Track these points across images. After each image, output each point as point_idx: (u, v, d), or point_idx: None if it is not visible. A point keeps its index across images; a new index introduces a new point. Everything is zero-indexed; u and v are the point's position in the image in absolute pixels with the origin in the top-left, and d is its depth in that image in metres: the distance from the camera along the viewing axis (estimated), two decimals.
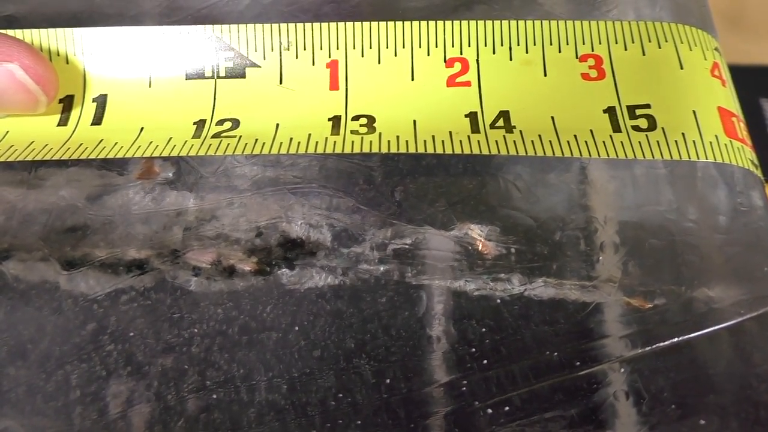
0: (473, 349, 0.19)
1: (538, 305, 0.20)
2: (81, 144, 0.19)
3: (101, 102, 0.20)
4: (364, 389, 0.19)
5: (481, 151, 0.18)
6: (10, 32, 0.20)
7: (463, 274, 0.21)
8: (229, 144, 0.19)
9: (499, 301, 0.20)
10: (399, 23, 0.20)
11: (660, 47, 0.20)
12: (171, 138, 0.19)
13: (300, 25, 0.20)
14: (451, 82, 0.20)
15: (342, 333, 0.20)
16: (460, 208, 0.21)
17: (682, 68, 0.20)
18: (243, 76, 0.20)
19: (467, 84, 0.20)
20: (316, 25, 0.20)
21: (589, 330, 0.18)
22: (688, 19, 0.22)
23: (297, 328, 0.20)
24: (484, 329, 0.19)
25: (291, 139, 0.19)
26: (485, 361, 0.18)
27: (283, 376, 0.19)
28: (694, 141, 0.18)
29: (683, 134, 0.19)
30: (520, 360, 0.19)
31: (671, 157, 0.18)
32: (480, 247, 0.21)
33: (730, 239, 0.19)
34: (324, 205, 0.22)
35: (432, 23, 0.20)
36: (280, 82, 0.20)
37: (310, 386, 0.19)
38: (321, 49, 0.20)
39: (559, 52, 0.20)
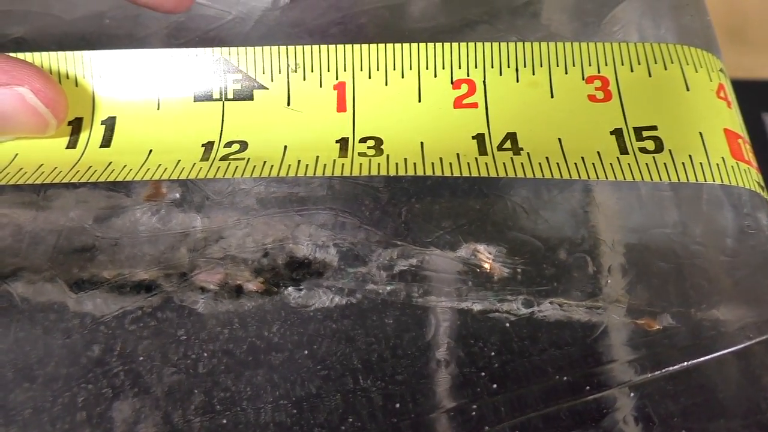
0: (482, 373, 0.19)
1: (545, 327, 0.20)
2: (90, 167, 0.19)
3: (110, 124, 0.20)
4: (371, 412, 0.19)
5: (488, 174, 0.18)
6: (21, 55, 0.20)
7: (470, 295, 0.21)
8: (237, 167, 0.19)
9: (507, 323, 0.20)
10: (406, 45, 0.20)
11: (666, 69, 0.20)
12: (179, 160, 0.19)
13: (307, 48, 0.20)
14: (458, 103, 0.20)
15: (349, 354, 0.20)
16: (466, 228, 0.22)
17: (688, 90, 0.20)
18: (251, 98, 0.20)
19: (474, 105, 0.20)
20: (324, 47, 0.20)
21: (597, 354, 0.18)
22: (692, 41, 0.22)
23: (304, 349, 0.20)
24: (491, 352, 0.19)
25: (299, 161, 0.19)
26: (494, 385, 0.18)
27: (290, 397, 0.19)
28: (701, 163, 0.19)
29: (690, 156, 0.19)
30: (528, 384, 0.19)
31: (678, 180, 0.18)
32: (487, 268, 0.21)
33: (737, 262, 0.19)
34: (330, 225, 0.22)
35: (439, 45, 0.20)
36: (288, 104, 0.20)
37: (317, 408, 0.19)
38: (328, 71, 0.20)
39: (566, 73, 0.20)
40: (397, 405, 0.18)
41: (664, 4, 0.23)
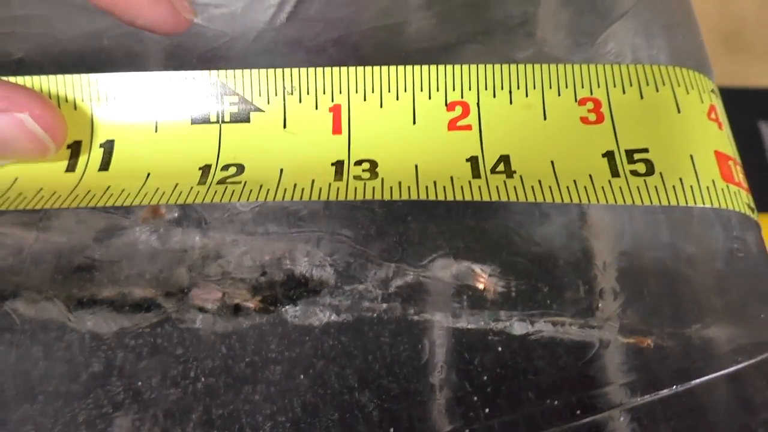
0: (475, 398, 0.19)
1: (539, 348, 0.20)
2: (89, 191, 0.19)
3: (108, 147, 0.20)
4: (367, 430, 0.19)
5: (482, 198, 0.19)
6: (20, 79, 0.20)
7: (465, 314, 0.21)
8: (234, 191, 0.19)
9: (500, 344, 0.20)
10: (401, 67, 0.21)
11: (658, 90, 0.20)
12: (177, 184, 0.19)
13: (303, 70, 0.21)
14: (452, 125, 0.20)
15: (345, 372, 0.20)
16: (461, 247, 0.22)
17: (679, 112, 0.20)
18: (247, 120, 0.20)
19: (468, 128, 0.20)
20: (319, 69, 0.21)
21: (590, 376, 0.18)
22: (684, 61, 0.22)
23: (301, 367, 0.20)
24: (485, 374, 0.20)
25: (295, 185, 0.19)
26: (487, 410, 0.19)
27: (287, 414, 0.19)
28: (691, 186, 0.19)
29: (681, 179, 0.19)
30: (520, 407, 0.19)
31: (669, 203, 0.18)
32: (481, 288, 0.22)
33: (727, 285, 0.19)
34: (327, 244, 0.22)
35: (433, 67, 0.21)
36: (284, 127, 0.20)
37: (315, 426, 0.19)
38: (324, 93, 0.20)
39: (559, 95, 0.20)
40: (392, 430, 0.18)
41: (657, 24, 0.23)
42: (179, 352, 0.20)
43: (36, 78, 0.20)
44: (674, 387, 0.17)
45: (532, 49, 0.26)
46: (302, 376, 0.20)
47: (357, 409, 0.19)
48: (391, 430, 0.18)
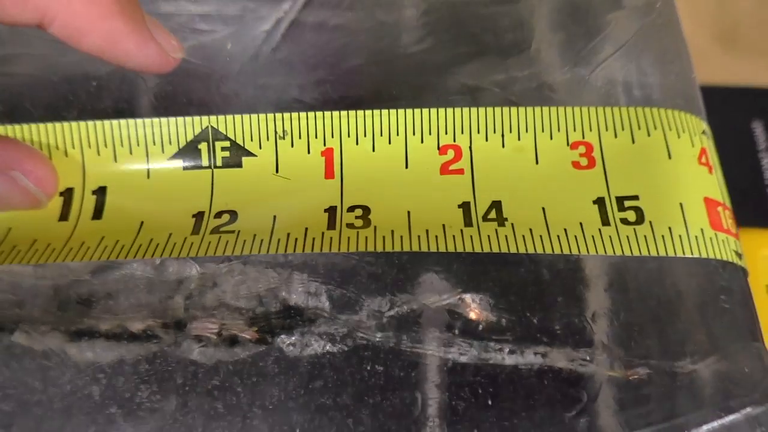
0: (466, 425, 0.19)
1: (528, 379, 0.20)
2: (83, 243, 0.19)
3: (101, 195, 0.20)
4: None
5: (473, 248, 0.19)
6: (9, 128, 0.20)
7: (457, 343, 0.21)
8: (228, 241, 0.19)
9: (492, 372, 0.20)
10: (393, 111, 0.20)
11: (649, 135, 0.20)
12: (171, 234, 0.19)
13: (295, 114, 0.20)
14: (444, 169, 0.20)
15: (340, 401, 0.20)
16: (453, 277, 0.22)
17: (670, 158, 0.20)
18: (240, 165, 0.20)
19: (460, 172, 0.20)
20: (311, 114, 0.20)
21: (579, 412, 0.19)
22: (675, 100, 0.22)
23: (298, 396, 0.20)
24: (478, 403, 0.20)
25: (288, 234, 0.19)
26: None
27: None
28: (680, 236, 0.19)
29: (670, 228, 0.19)
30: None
31: (657, 253, 0.19)
32: (474, 318, 0.22)
33: (712, 326, 0.19)
34: (322, 272, 0.22)
35: (425, 110, 0.21)
36: (276, 171, 0.20)
37: None
38: (316, 137, 0.20)
39: (551, 138, 0.20)
40: None
41: (650, 58, 0.23)
42: (178, 382, 0.21)
43: (26, 126, 0.20)
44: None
45: (526, 70, 0.26)
46: (299, 405, 0.20)
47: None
48: None
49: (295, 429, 0.20)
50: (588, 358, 0.21)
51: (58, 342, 0.21)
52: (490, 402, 0.20)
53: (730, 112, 0.44)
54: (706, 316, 0.20)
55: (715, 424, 0.18)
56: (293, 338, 0.21)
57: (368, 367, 0.21)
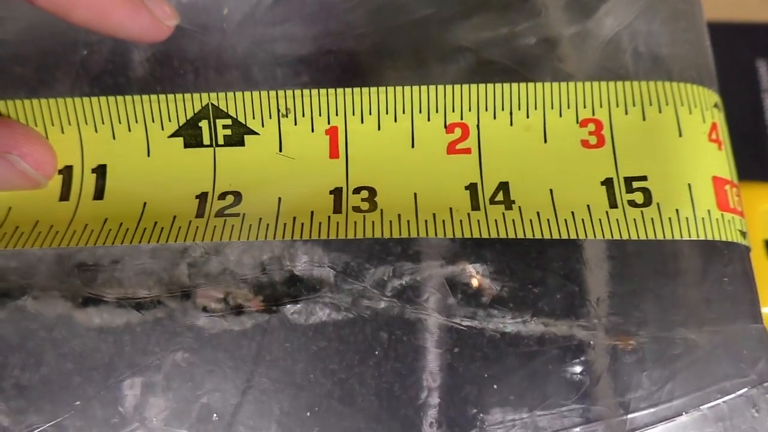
0: (469, 393, 0.20)
1: (530, 346, 0.21)
2: (86, 225, 0.19)
3: (101, 173, 0.20)
4: (367, 423, 0.20)
5: (480, 234, 0.19)
6: (1, 103, 0.20)
7: (459, 313, 0.22)
8: (233, 225, 0.19)
9: (493, 341, 0.21)
10: (399, 88, 0.20)
11: (661, 111, 0.20)
12: (175, 217, 0.19)
13: (298, 92, 0.20)
14: (451, 149, 0.20)
15: (346, 367, 0.21)
16: (457, 246, 0.22)
17: (680, 135, 0.20)
18: (242, 143, 0.20)
19: (467, 151, 0.20)
20: (314, 91, 0.20)
21: (579, 376, 0.20)
22: (684, 58, 0.22)
23: (303, 364, 0.21)
24: (480, 371, 0.21)
25: (294, 219, 0.19)
26: (478, 407, 0.20)
27: (291, 413, 0.20)
28: (687, 218, 0.19)
29: (677, 210, 0.19)
30: (512, 402, 0.20)
31: (664, 237, 0.19)
32: (476, 285, 0.22)
33: (712, 301, 0.20)
34: (325, 241, 0.22)
35: (432, 88, 0.20)
36: (280, 150, 0.20)
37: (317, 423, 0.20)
38: (320, 115, 0.20)
39: (560, 116, 0.20)
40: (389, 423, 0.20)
41: (661, 20, 0.23)
42: (186, 344, 0.21)
43: (19, 102, 0.20)
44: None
45: (529, 25, 0.25)
46: (304, 372, 0.21)
47: (356, 402, 0.20)
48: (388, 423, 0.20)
49: (300, 392, 0.20)
50: (587, 326, 0.21)
51: (66, 309, 0.22)
52: (490, 366, 0.21)
53: (734, 50, 0.43)
54: (707, 295, 0.20)
55: (712, 404, 0.18)
56: (298, 306, 0.22)
57: (372, 334, 0.21)
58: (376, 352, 0.21)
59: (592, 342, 0.21)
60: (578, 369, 0.21)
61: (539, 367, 0.21)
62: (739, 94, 0.42)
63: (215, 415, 0.20)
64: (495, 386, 0.21)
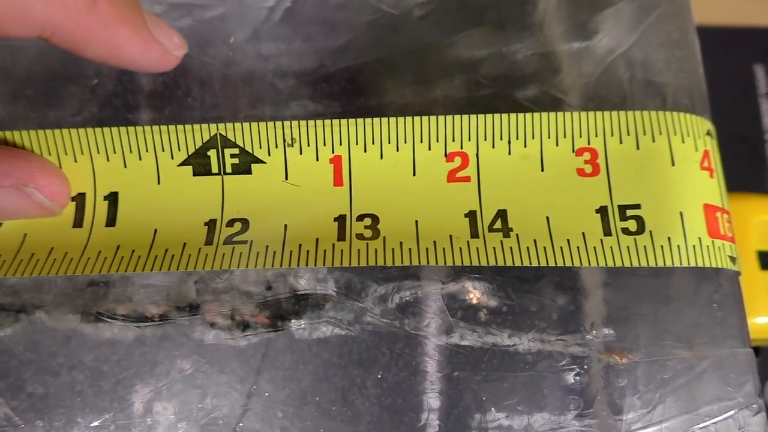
0: (467, 404, 0.21)
1: (527, 361, 0.22)
2: (99, 252, 0.20)
3: (113, 200, 0.20)
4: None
5: (479, 262, 0.20)
6: (16, 134, 0.20)
7: (458, 329, 0.22)
8: (241, 253, 0.20)
9: (492, 355, 0.22)
10: (401, 119, 0.20)
11: (654, 140, 0.21)
12: (185, 244, 0.20)
13: (303, 122, 0.20)
14: (451, 177, 0.21)
15: (347, 382, 0.22)
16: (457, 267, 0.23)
17: (673, 164, 0.20)
18: (249, 172, 0.21)
19: (467, 179, 0.21)
20: (319, 121, 0.20)
21: (574, 391, 0.21)
22: (682, 99, 0.22)
23: (309, 378, 0.22)
24: (476, 383, 0.22)
25: (300, 246, 0.20)
26: (477, 414, 0.21)
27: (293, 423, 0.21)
28: (678, 246, 0.20)
29: (669, 238, 0.20)
30: (509, 414, 0.21)
31: (656, 264, 0.20)
32: (474, 302, 0.23)
33: (705, 344, 0.21)
34: None
35: (433, 118, 0.21)
36: (286, 178, 0.21)
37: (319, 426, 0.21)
38: (324, 145, 0.20)
39: (557, 145, 0.21)
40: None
41: (657, 46, 0.23)
42: (192, 364, 0.22)
43: (33, 133, 0.20)
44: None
45: (528, 41, 0.25)
46: (309, 386, 0.21)
47: (357, 412, 0.21)
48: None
49: (303, 404, 0.21)
50: (582, 343, 0.22)
51: (78, 324, 0.22)
52: (488, 379, 0.21)
53: (732, 55, 0.43)
54: (697, 320, 0.21)
55: (701, 426, 0.19)
56: (302, 322, 0.23)
57: (374, 349, 0.22)
58: (377, 368, 0.22)
59: (586, 365, 0.22)
60: (574, 386, 0.21)
61: (536, 384, 0.22)
62: (737, 98, 0.43)
63: (221, 422, 0.21)
64: (491, 402, 0.22)
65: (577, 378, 0.21)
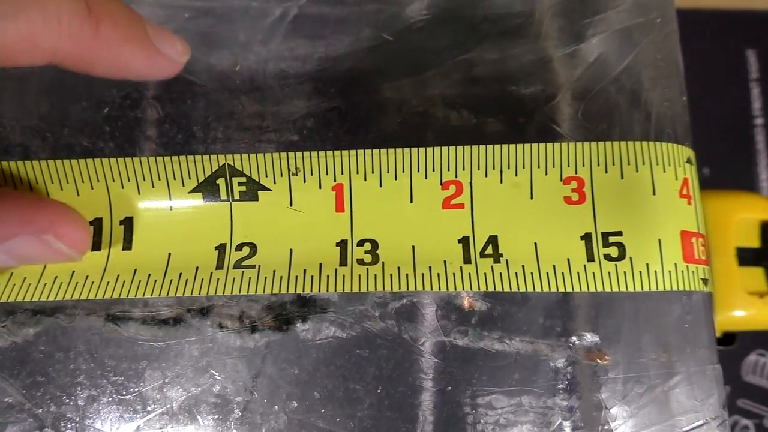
0: (460, 404, 0.23)
1: (515, 363, 0.24)
2: (118, 276, 0.21)
3: (128, 225, 0.22)
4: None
5: (471, 288, 0.21)
6: (36, 164, 0.21)
7: (452, 332, 0.24)
8: (250, 278, 0.21)
9: (483, 356, 0.24)
10: (399, 150, 0.22)
11: (638, 170, 0.22)
12: (198, 268, 0.21)
13: (306, 153, 0.22)
14: (446, 204, 0.22)
15: (349, 381, 0.23)
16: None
17: (654, 193, 0.22)
18: (255, 198, 0.22)
19: (461, 206, 0.22)
20: (322, 153, 0.22)
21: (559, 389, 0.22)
22: (666, 128, 0.24)
23: (312, 376, 0.23)
24: (468, 383, 0.24)
25: (305, 271, 0.21)
26: (469, 407, 0.23)
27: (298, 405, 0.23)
28: (655, 271, 0.21)
29: (647, 264, 0.21)
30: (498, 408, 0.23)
31: (635, 289, 0.21)
32: (467, 306, 0.25)
33: (676, 362, 0.22)
34: None
35: (429, 149, 0.22)
36: (290, 205, 0.22)
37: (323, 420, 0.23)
38: (327, 174, 0.22)
39: (546, 174, 0.22)
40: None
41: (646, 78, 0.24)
42: (203, 363, 0.24)
43: (51, 162, 0.21)
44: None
45: (522, 49, 0.26)
46: (313, 384, 0.23)
47: (358, 410, 0.23)
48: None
49: (306, 392, 0.23)
50: (566, 345, 0.24)
51: (96, 324, 0.24)
52: (480, 377, 0.23)
53: (725, 38, 0.43)
54: (670, 339, 0.23)
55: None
56: (307, 325, 0.24)
57: (372, 352, 0.24)
58: (376, 364, 0.24)
59: (571, 358, 0.23)
60: (558, 392, 0.23)
61: (523, 376, 0.24)
62: (728, 82, 0.44)
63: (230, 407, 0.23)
64: (482, 398, 0.24)
65: (562, 384, 0.23)
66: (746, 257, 0.33)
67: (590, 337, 0.24)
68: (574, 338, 0.24)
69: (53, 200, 0.21)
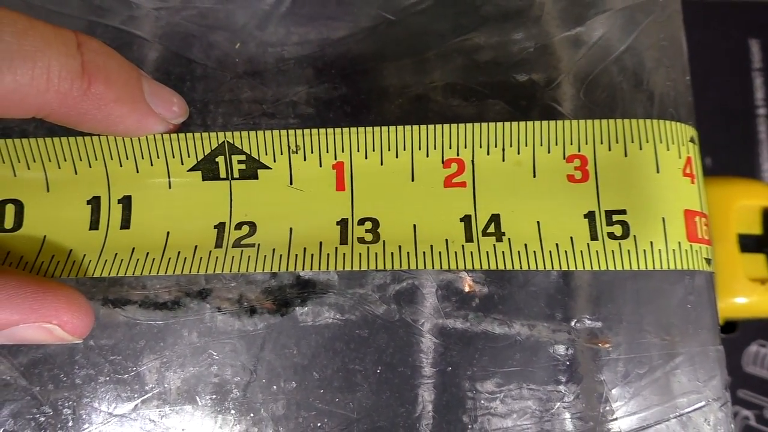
0: (461, 385, 0.23)
1: (515, 346, 0.24)
2: (116, 254, 0.21)
3: (126, 204, 0.22)
4: (365, 417, 0.23)
5: (473, 266, 0.21)
6: (39, 141, 0.21)
7: (452, 315, 0.24)
8: (249, 256, 0.21)
9: (484, 339, 0.24)
10: (400, 127, 0.21)
11: (641, 148, 0.22)
12: (196, 247, 0.21)
13: (307, 131, 0.21)
14: (448, 182, 0.22)
15: (348, 364, 0.23)
16: None
17: (658, 171, 0.22)
18: (255, 177, 0.22)
19: (463, 185, 0.22)
20: (322, 130, 0.21)
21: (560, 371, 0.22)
22: (669, 107, 0.23)
23: (311, 359, 0.23)
24: (468, 365, 0.23)
25: (305, 249, 0.21)
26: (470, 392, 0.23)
27: (303, 405, 0.23)
28: (659, 250, 0.21)
29: (651, 243, 0.21)
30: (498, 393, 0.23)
31: (638, 268, 0.21)
32: (467, 290, 0.25)
33: (678, 342, 0.22)
34: None
35: (431, 127, 0.21)
36: (290, 183, 0.22)
37: (329, 412, 0.23)
38: (327, 152, 0.21)
39: (549, 152, 0.22)
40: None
41: (648, 57, 0.24)
42: (199, 343, 0.24)
43: (49, 140, 0.21)
44: None
45: (524, 34, 0.26)
46: (312, 367, 0.23)
47: (358, 391, 0.23)
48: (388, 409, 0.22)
49: (311, 390, 0.23)
50: (567, 329, 0.24)
51: (96, 307, 0.24)
52: (480, 360, 0.23)
53: (728, 28, 0.43)
54: (672, 320, 0.22)
55: (673, 416, 0.21)
56: (306, 308, 0.24)
57: (373, 335, 0.24)
58: (376, 349, 0.24)
59: (570, 354, 0.23)
60: (560, 374, 0.23)
61: (524, 366, 0.23)
62: (731, 72, 0.43)
63: (228, 388, 0.23)
64: (482, 381, 0.24)
65: (563, 366, 0.23)
66: (748, 244, 0.33)
67: (591, 322, 0.23)
68: (575, 321, 0.23)
69: (59, 285, 0.20)
